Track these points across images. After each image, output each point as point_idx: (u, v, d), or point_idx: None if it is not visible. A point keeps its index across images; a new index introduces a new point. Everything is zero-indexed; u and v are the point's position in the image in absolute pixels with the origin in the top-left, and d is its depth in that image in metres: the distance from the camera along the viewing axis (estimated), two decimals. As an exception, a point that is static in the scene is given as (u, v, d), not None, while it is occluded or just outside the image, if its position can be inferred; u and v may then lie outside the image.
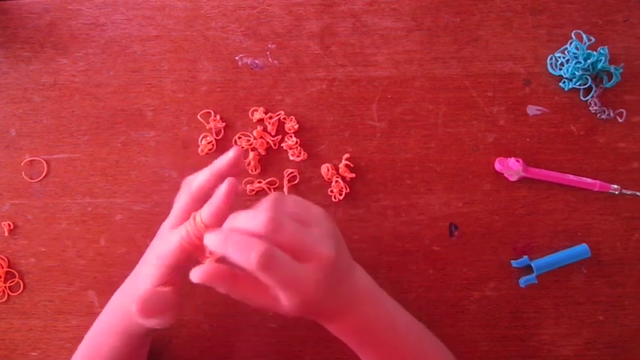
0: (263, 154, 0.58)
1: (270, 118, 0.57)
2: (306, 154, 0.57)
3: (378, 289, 0.46)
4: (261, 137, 0.58)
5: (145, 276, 0.44)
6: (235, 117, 0.58)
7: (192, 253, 0.42)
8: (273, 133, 0.58)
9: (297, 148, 0.57)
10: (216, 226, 0.40)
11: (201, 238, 0.40)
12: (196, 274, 0.38)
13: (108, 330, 0.47)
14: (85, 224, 0.58)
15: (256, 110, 0.58)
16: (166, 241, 0.43)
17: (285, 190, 0.57)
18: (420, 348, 0.47)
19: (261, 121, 0.58)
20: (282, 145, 0.58)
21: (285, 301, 0.39)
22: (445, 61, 0.58)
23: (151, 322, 0.42)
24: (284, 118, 0.58)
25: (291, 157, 0.57)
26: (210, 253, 0.41)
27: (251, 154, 0.57)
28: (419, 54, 0.59)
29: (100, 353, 0.47)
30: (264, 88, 0.59)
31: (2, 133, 0.59)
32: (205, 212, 0.41)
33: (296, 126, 0.57)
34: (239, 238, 0.37)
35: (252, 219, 0.38)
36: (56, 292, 0.57)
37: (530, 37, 0.58)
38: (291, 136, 0.58)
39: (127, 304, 0.44)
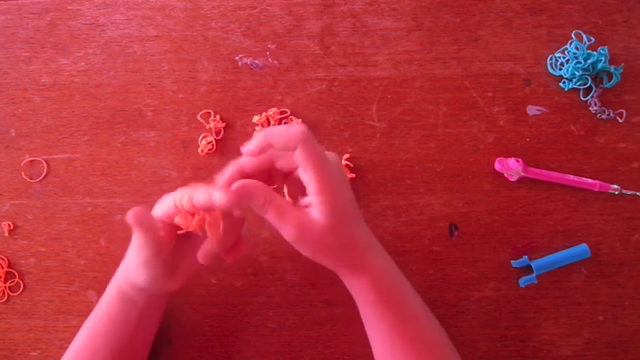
0: (263, 154, 0.57)
1: (274, 115, 0.57)
2: (306, 154, 0.57)
3: None
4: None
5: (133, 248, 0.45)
6: (235, 117, 0.58)
7: (177, 215, 0.43)
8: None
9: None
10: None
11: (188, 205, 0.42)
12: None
13: (109, 298, 0.49)
14: (85, 224, 0.58)
15: (257, 114, 0.58)
16: (158, 204, 0.45)
17: (285, 191, 0.57)
18: (428, 322, 0.47)
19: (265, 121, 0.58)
20: (282, 145, 0.58)
21: (318, 185, 0.41)
22: (445, 61, 0.58)
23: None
24: (290, 118, 0.58)
25: (291, 157, 0.57)
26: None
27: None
28: (419, 54, 0.59)
29: (102, 321, 0.48)
30: (264, 88, 0.59)
31: (2, 133, 0.59)
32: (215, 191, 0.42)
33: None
34: (279, 127, 0.43)
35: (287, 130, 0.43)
36: (56, 292, 0.57)
37: (530, 37, 0.58)
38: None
39: (122, 275, 0.48)
